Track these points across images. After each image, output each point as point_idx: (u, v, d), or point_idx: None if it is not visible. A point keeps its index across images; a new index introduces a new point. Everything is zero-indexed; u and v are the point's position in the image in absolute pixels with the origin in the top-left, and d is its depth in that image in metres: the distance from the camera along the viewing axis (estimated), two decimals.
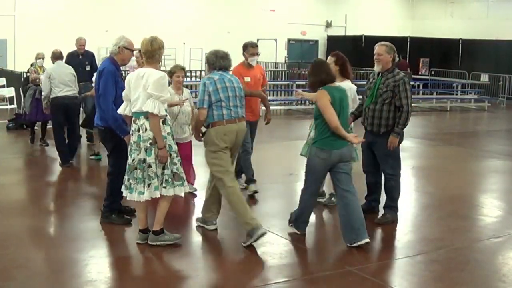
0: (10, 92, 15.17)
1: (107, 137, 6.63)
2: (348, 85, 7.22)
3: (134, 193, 5.86)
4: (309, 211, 6.55)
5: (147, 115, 5.75)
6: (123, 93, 6.01)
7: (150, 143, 5.76)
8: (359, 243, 6.10)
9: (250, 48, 7.89)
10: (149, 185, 5.81)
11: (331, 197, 7.73)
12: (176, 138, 6.86)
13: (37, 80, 11.13)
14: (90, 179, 9.43)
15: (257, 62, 8.00)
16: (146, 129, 5.76)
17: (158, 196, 5.86)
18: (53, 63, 9.91)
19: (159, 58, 5.96)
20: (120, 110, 6.08)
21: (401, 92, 6.64)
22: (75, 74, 9.86)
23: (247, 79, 7.78)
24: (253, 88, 7.79)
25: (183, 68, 7.88)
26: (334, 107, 6.02)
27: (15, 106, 14.51)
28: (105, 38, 21.49)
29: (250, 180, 8.03)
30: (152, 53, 5.87)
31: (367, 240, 6.12)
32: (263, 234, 6.09)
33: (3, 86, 15.97)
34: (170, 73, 7.63)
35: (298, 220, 6.55)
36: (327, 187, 7.65)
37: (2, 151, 11.17)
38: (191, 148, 7.91)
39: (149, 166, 5.78)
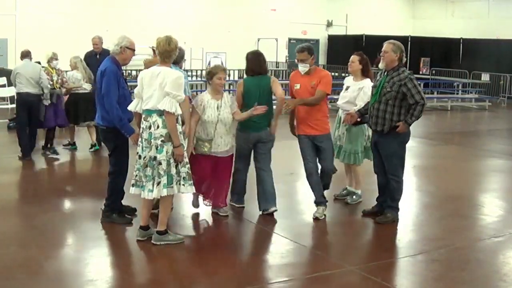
0: (10, 91, 15.15)
1: (109, 136, 6.63)
2: (365, 83, 7.49)
3: (145, 191, 5.89)
4: (241, 185, 7.28)
5: (160, 112, 5.76)
6: (135, 90, 6.02)
7: (162, 141, 5.78)
8: (269, 211, 7.04)
9: (297, 53, 7.05)
10: (158, 183, 5.82)
11: (343, 190, 7.98)
12: (216, 152, 6.77)
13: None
14: (90, 178, 9.42)
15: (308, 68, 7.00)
16: (158, 127, 5.78)
17: (165, 194, 5.86)
18: (21, 60, 10.26)
19: (174, 58, 5.99)
20: (131, 107, 6.08)
21: (411, 89, 6.62)
22: (42, 74, 10.17)
23: (297, 86, 7.05)
24: (302, 96, 6.97)
25: (224, 69, 6.95)
26: (252, 94, 6.93)
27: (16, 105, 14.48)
28: (106, 37, 21.54)
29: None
30: (169, 53, 5.89)
31: (275, 209, 7.05)
32: None
33: (3, 86, 15.97)
34: (210, 74, 6.75)
35: (234, 193, 7.34)
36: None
37: (3, 150, 11.17)
38: (231, 164, 7.09)
39: (159, 163, 5.80)
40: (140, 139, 5.96)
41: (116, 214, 6.73)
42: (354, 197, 7.77)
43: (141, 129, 5.95)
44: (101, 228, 6.60)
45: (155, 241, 6.01)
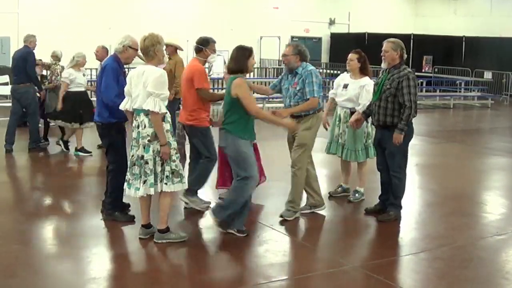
0: None
1: (104, 133, 6.70)
2: (366, 81, 7.49)
3: (132, 189, 5.93)
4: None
5: (146, 112, 5.79)
6: (125, 89, 6.03)
7: (149, 140, 5.80)
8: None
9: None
10: (144, 181, 5.85)
11: (338, 187, 8.02)
12: None
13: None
14: (93, 176, 9.43)
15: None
16: (145, 126, 5.80)
17: (152, 193, 5.89)
18: None
19: (153, 55, 5.93)
20: (121, 106, 6.09)
21: (404, 88, 6.60)
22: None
23: None
24: None
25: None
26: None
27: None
28: (108, 35, 21.49)
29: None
30: (145, 50, 5.92)
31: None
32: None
33: (6, 84, 15.99)
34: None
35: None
36: (329, 184, 7.66)
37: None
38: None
39: (146, 162, 5.82)
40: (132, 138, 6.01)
41: (118, 211, 6.74)
42: (356, 195, 7.76)
43: (131, 128, 6.01)
44: (103, 226, 6.61)
45: (157, 240, 6.02)
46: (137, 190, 5.89)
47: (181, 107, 7.54)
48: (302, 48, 6.83)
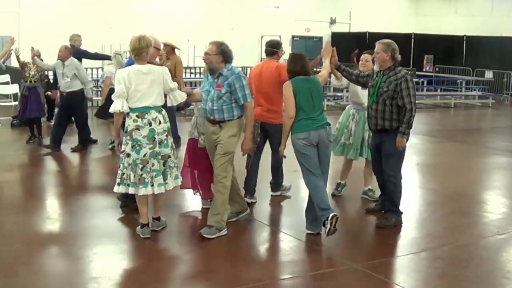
0: (14, 89, 15.16)
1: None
2: None
3: (150, 187, 5.91)
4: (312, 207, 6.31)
5: (158, 109, 5.93)
6: (119, 90, 5.85)
7: (166, 135, 5.96)
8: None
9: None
10: (170, 175, 6.04)
11: (337, 187, 8.01)
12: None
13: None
14: (94, 176, 9.44)
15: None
16: (160, 122, 5.91)
17: (180, 184, 6.19)
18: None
19: (146, 56, 5.98)
20: (116, 108, 5.87)
21: (403, 90, 6.38)
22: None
23: None
24: None
25: None
26: (301, 97, 6.17)
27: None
28: (109, 35, 21.48)
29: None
30: (139, 50, 5.93)
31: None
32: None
33: (7, 83, 15.99)
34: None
35: (307, 219, 6.45)
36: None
37: (6, 147, 11.18)
38: None
39: (169, 156, 6.00)
40: (128, 138, 5.91)
41: (130, 202, 6.66)
42: (371, 193, 7.77)
43: (130, 127, 5.89)
44: (104, 226, 6.62)
45: (157, 227, 6.25)
46: (161, 186, 5.96)
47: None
48: (226, 48, 6.22)
